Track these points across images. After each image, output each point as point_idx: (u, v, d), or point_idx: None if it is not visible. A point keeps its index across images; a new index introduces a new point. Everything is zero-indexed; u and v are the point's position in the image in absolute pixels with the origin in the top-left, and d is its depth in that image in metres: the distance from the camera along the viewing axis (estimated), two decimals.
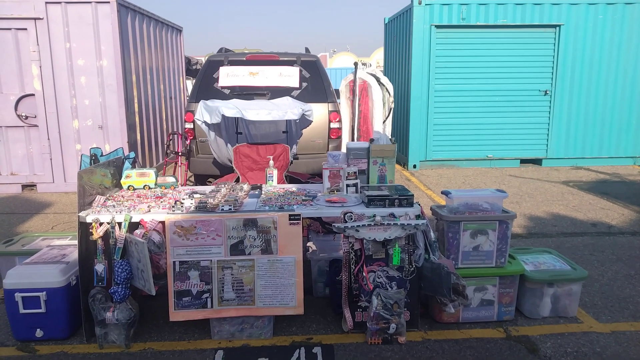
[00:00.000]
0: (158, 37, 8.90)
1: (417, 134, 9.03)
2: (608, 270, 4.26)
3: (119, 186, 3.72)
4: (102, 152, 3.79)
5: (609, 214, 6.01)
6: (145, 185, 3.71)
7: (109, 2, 6.91)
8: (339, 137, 6.33)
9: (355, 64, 6.81)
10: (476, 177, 8.32)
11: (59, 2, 6.88)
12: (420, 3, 8.58)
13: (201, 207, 3.14)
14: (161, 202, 3.35)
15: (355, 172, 3.58)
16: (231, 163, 4.94)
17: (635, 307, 3.58)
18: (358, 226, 3.02)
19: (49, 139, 7.22)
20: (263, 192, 3.68)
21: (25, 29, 6.94)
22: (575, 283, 3.39)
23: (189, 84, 12.33)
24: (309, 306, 3.38)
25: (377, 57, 29.32)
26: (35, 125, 7.20)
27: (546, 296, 3.36)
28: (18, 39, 6.98)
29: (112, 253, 3.04)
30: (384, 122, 7.10)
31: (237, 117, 4.70)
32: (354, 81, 6.78)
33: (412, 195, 3.26)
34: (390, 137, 4.90)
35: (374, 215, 3.07)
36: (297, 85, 6.10)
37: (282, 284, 3.11)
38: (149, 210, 3.15)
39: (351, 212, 3.08)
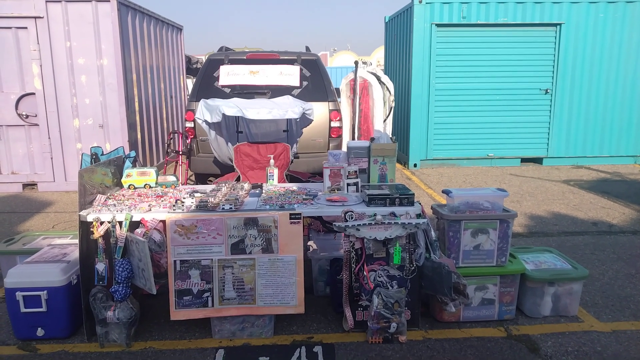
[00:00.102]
0: (158, 35, 8.90)
1: (418, 132, 9.03)
2: (609, 270, 4.26)
3: (119, 185, 3.72)
4: (102, 151, 3.80)
5: (609, 213, 6.01)
6: (146, 184, 3.71)
7: (109, 1, 6.91)
8: (340, 136, 6.33)
9: (356, 62, 6.80)
10: (477, 176, 8.32)
11: (60, 1, 6.88)
12: (420, 2, 8.57)
13: (202, 206, 3.13)
14: (162, 201, 3.36)
15: (355, 171, 3.57)
16: (232, 162, 4.94)
17: (636, 307, 3.58)
18: (359, 225, 3.02)
19: (49, 138, 7.22)
20: (264, 191, 3.68)
21: (26, 27, 6.94)
22: (576, 282, 3.38)
23: (190, 83, 12.33)
24: (309, 305, 3.38)
25: (378, 56, 29.31)
26: (36, 124, 7.20)
27: (547, 295, 3.36)
28: (18, 37, 6.98)
29: (113, 252, 3.04)
30: (384, 121, 7.10)
31: (238, 116, 4.70)
32: (355, 80, 6.78)
33: (413, 194, 3.26)
34: (390, 136, 4.89)
35: (375, 214, 3.07)
36: (297, 84, 6.09)
37: (282, 283, 3.11)
38: (150, 209, 3.15)
39: (352, 211, 3.08)
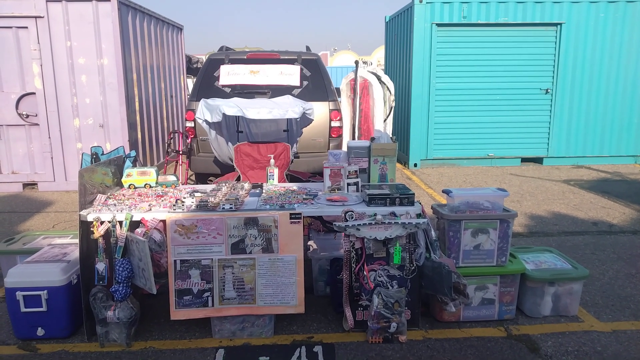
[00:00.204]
0: (159, 35, 8.90)
1: (418, 132, 9.03)
2: (609, 269, 4.26)
3: (119, 185, 3.72)
4: (103, 151, 3.80)
5: (610, 212, 6.01)
6: (146, 184, 3.71)
7: (109, 1, 6.91)
8: (340, 136, 6.33)
9: (356, 62, 6.80)
10: (477, 176, 8.32)
11: (60, 1, 6.88)
12: (421, 1, 8.56)
13: (202, 206, 3.14)
14: (162, 200, 3.36)
15: (356, 171, 3.57)
16: (232, 162, 4.94)
17: (636, 306, 3.58)
18: (359, 225, 3.02)
19: (49, 137, 7.22)
20: (264, 191, 3.68)
21: (26, 27, 6.94)
22: (576, 282, 3.38)
23: (190, 83, 12.34)
24: (309, 305, 3.38)
25: (378, 56, 29.30)
26: (36, 124, 7.20)
27: (547, 295, 3.36)
28: (19, 37, 6.98)
29: (113, 252, 3.04)
30: (384, 120, 7.09)
31: (238, 116, 4.70)
32: (355, 80, 6.78)
33: (413, 194, 3.25)
34: (391, 135, 4.89)
35: (375, 214, 3.07)
36: (297, 83, 6.09)
37: (283, 282, 3.11)
38: (150, 209, 3.15)
39: (352, 211, 3.08)
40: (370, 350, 3.02)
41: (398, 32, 10.00)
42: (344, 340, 3.13)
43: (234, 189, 3.55)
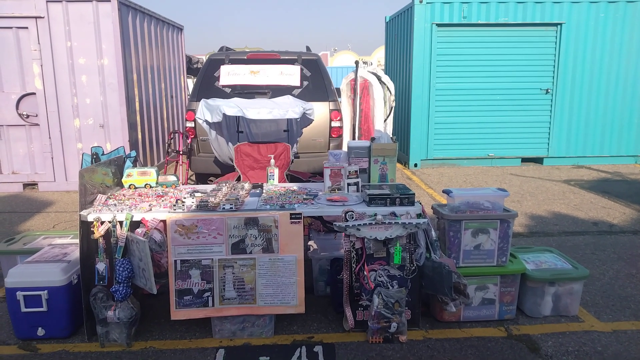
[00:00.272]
0: (159, 35, 8.90)
1: (418, 132, 9.03)
2: (609, 269, 4.26)
3: (120, 185, 3.72)
4: (103, 151, 3.80)
5: (610, 212, 6.01)
6: (147, 184, 3.71)
7: (109, 1, 6.91)
8: (340, 136, 6.33)
9: (356, 62, 6.80)
10: (477, 176, 8.32)
11: (60, 1, 6.88)
12: (421, 1, 8.56)
13: (202, 206, 3.14)
14: (162, 201, 3.36)
15: (356, 171, 3.57)
16: (232, 162, 4.94)
17: (636, 306, 3.58)
18: (359, 225, 3.02)
19: (50, 137, 7.22)
20: (264, 191, 3.68)
21: (27, 27, 6.94)
22: (577, 282, 3.38)
23: (190, 83, 12.34)
24: (310, 305, 3.38)
25: (378, 56, 29.29)
26: (37, 124, 7.21)
27: (547, 295, 3.36)
28: (19, 37, 6.98)
29: (113, 252, 3.05)
30: (385, 120, 7.09)
31: (238, 116, 4.70)
32: (355, 80, 6.78)
33: (413, 194, 3.25)
34: (391, 135, 4.89)
35: (375, 214, 3.07)
36: (298, 83, 6.09)
37: (283, 282, 3.11)
38: (150, 209, 3.15)
39: (352, 211, 3.08)
40: (371, 350, 3.02)
41: (398, 32, 10.00)
42: (344, 340, 3.13)
43: (234, 189, 3.55)
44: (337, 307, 3.39)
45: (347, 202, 3.30)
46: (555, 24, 8.77)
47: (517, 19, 8.72)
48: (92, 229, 3.02)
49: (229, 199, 3.20)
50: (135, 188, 3.69)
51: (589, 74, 8.95)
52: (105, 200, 3.31)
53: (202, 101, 4.61)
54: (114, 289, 3.02)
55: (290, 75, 6.09)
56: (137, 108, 7.72)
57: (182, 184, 4.46)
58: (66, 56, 7.03)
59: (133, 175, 3.70)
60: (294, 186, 3.93)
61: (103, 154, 3.78)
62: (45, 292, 3.06)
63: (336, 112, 6.20)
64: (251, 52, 6.56)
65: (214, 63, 6.25)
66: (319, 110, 5.83)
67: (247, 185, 3.71)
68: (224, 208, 3.12)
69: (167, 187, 3.80)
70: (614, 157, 9.29)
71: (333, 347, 3.05)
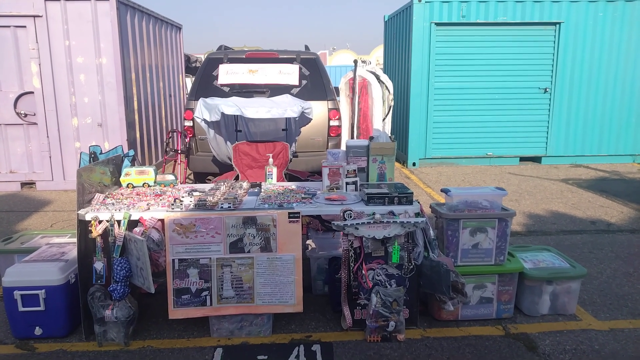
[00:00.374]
0: (157, 34, 8.89)
1: (417, 131, 9.03)
2: (607, 268, 4.27)
3: (118, 184, 3.72)
4: (101, 150, 3.79)
5: (608, 211, 6.02)
6: (145, 183, 3.71)
7: (108, 0, 6.89)
8: (339, 135, 6.33)
9: (355, 61, 6.80)
10: (475, 175, 8.32)
11: (58, 0, 6.86)
12: (420, 1, 8.56)
13: (200, 205, 3.13)
14: (160, 200, 3.35)
15: (354, 170, 3.57)
16: (230, 161, 4.94)
17: (633, 305, 3.58)
18: (357, 224, 3.02)
19: (48, 136, 7.21)
20: (262, 190, 3.68)
21: (25, 26, 6.92)
22: (574, 281, 3.39)
23: (189, 82, 12.32)
24: (308, 304, 3.38)
25: (377, 55, 29.28)
26: (35, 123, 7.19)
27: (545, 294, 3.37)
28: (17, 36, 6.97)
29: (111, 251, 3.04)
30: (383, 119, 7.09)
31: (237, 115, 4.70)
32: (354, 79, 6.78)
33: (412, 193, 3.26)
34: (389, 135, 4.90)
35: (374, 213, 3.07)
36: (296, 82, 6.09)
37: (281, 281, 3.11)
38: (148, 208, 3.15)
39: (350, 210, 3.08)
40: (369, 349, 3.02)
41: (397, 31, 10.00)
42: (342, 339, 3.13)
43: (232, 188, 3.55)
44: (335, 306, 3.39)
45: (345, 201, 3.31)
46: (554, 23, 8.78)
47: (515, 18, 8.72)
48: (89, 228, 3.02)
49: (227, 198, 3.19)
50: (134, 187, 3.69)
51: (587, 73, 8.96)
52: (103, 199, 3.30)
53: (201, 100, 4.60)
54: (111, 288, 3.01)
55: (289, 74, 6.09)
56: (136, 107, 7.71)
57: (180, 183, 4.45)
58: (64, 55, 7.02)
59: (131, 175, 3.70)
60: (292, 185, 3.93)
61: (101, 153, 3.78)
62: (43, 291, 3.05)
63: (335, 111, 6.20)
64: (250, 51, 6.56)
65: (213, 62, 6.24)
66: (318, 110, 5.83)
67: (245, 184, 3.70)
68: (222, 207, 3.12)
69: (165, 186, 3.79)
70: (612, 156, 9.30)
71: (331, 346, 3.05)
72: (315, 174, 5.35)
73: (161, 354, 2.99)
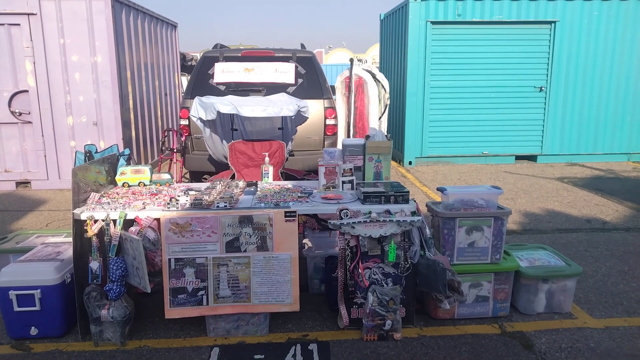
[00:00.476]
0: (153, 33, 8.85)
1: (413, 130, 9.04)
2: (602, 266, 4.29)
3: (113, 183, 3.71)
4: (96, 149, 3.77)
5: (603, 210, 6.05)
6: (140, 182, 3.70)
7: None
8: (335, 134, 6.32)
9: (351, 60, 6.81)
10: (471, 174, 8.34)
11: None
12: None
13: (196, 204, 3.13)
14: (156, 199, 3.34)
15: (351, 169, 3.57)
16: (227, 160, 4.93)
17: (628, 303, 3.60)
18: (354, 223, 3.02)
19: (43, 135, 7.17)
20: (259, 189, 3.68)
21: (19, 24, 6.88)
22: (570, 279, 3.40)
23: (184, 80, 12.28)
24: (304, 303, 3.38)
25: (373, 53, 29.30)
26: (29, 122, 7.15)
27: (541, 292, 3.38)
28: (11, 34, 6.92)
29: (107, 250, 3.03)
30: (379, 118, 7.10)
31: (233, 114, 4.69)
32: (350, 77, 6.78)
33: (408, 191, 3.26)
34: (386, 133, 4.90)
35: (370, 212, 3.08)
36: (292, 81, 6.08)
37: (277, 281, 3.11)
38: (144, 208, 3.14)
39: (347, 209, 3.08)
40: (365, 347, 3.02)
41: (393, 29, 10.00)
42: (339, 338, 3.14)
43: (228, 187, 3.54)
44: (331, 305, 3.39)
45: (341, 200, 3.31)
46: (549, 22, 8.80)
47: (511, 17, 8.74)
48: (85, 228, 3.01)
49: (223, 197, 3.19)
50: (129, 186, 3.68)
51: (582, 72, 8.99)
52: (99, 198, 3.29)
53: (196, 99, 4.59)
54: (107, 288, 3.00)
55: (285, 72, 6.08)
56: (131, 106, 7.68)
57: (176, 182, 4.44)
58: (59, 53, 6.98)
59: (127, 174, 3.68)
60: (288, 184, 3.93)
61: (96, 152, 3.76)
62: (39, 291, 3.04)
63: (331, 110, 6.20)
64: (245, 50, 6.55)
65: (208, 60, 6.23)
66: (314, 108, 5.83)
67: (241, 183, 3.70)
68: (218, 206, 3.12)
69: (161, 185, 3.78)
70: (607, 154, 9.34)
71: (328, 345, 3.06)
72: (311, 173, 5.35)
73: (158, 354, 2.99)
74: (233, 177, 4.77)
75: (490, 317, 3.39)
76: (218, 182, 3.67)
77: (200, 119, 4.53)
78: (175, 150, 6.71)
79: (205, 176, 6.28)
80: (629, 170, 8.59)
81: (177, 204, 3.16)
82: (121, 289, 3.03)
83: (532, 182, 7.61)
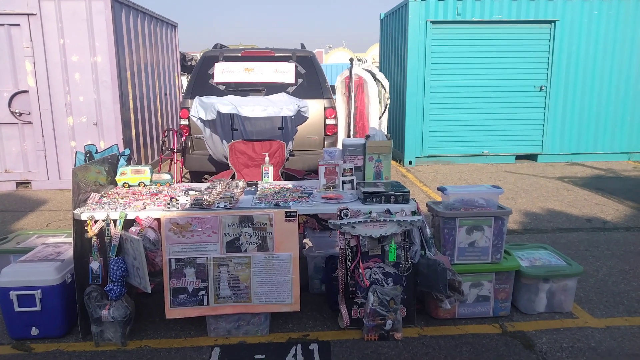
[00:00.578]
0: (152, 33, 8.85)
1: (413, 130, 9.04)
2: (603, 266, 4.28)
3: (114, 183, 3.70)
4: (96, 149, 3.77)
5: (603, 209, 6.04)
6: (141, 183, 3.70)
7: None
8: (335, 134, 6.32)
9: (351, 60, 6.80)
10: (472, 173, 8.34)
11: None
12: None
13: (197, 204, 3.13)
14: (156, 199, 3.34)
15: (351, 169, 3.57)
16: (227, 160, 4.93)
17: (629, 302, 3.60)
18: (354, 223, 3.02)
19: (43, 135, 7.17)
20: (259, 189, 3.68)
21: (19, 24, 6.88)
22: (571, 279, 3.40)
23: (184, 80, 12.28)
24: (305, 303, 3.38)
25: (373, 53, 29.28)
26: (29, 122, 7.15)
27: (542, 292, 3.38)
28: (11, 35, 6.92)
29: (107, 250, 3.03)
30: (379, 118, 7.10)
31: (233, 114, 4.69)
32: (350, 77, 6.78)
33: (408, 191, 3.26)
34: (386, 133, 4.91)
35: (370, 212, 3.07)
36: (292, 81, 6.08)
37: (278, 280, 3.11)
38: (144, 208, 3.14)
39: (347, 209, 3.08)
40: (366, 347, 3.02)
41: (393, 29, 9.99)
42: (339, 338, 3.14)
43: (228, 187, 3.54)
44: (332, 304, 3.39)
45: (342, 199, 3.30)
46: (549, 22, 8.79)
47: (511, 17, 8.73)
48: (85, 228, 3.01)
49: (224, 197, 3.19)
50: (129, 186, 3.67)
51: (582, 71, 8.98)
52: (99, 198, 3.29)
53: (197, 99, 4.59)
54: (108, 288, 3.00)
55: (285, 72, 6.07)
56: (131, 106, 7.68)
57: (177, 182, 4.44)
58: (59, 54, 6.98)
59: (127, 174, 3.68)
60: (288, 184, 3.93)
61: (97, 152, 3.76)
62: (39, 291, 3.04)
63: (331, 110, 6.20)
64: (245, 50, 6.54)
65: (208, 60, 6.22)
66: (314, 108, 5.83)
67: (241, 183, 3.70)
68: (218, 206, 3.11)
69: (161, 185, 3.78)
70: (607, 154, 9.34)
71: (328, 344, 3.05)
72: (311, 173, 5.35)
73: (158, 354, 2.99)
74: (233, 177, 4.77)
75: (491, 316, 3.39)
76: (218, 182, 3.67)
77: (200, 119, 4.53)
78: (175, 150, 6.71)
79: (205, 176, 6.27)
80: (630, 169, 8.58)
81: (177, 204, 3.16)
82: (122, 289, 3.03)
83: (532, 182, 7.61)
